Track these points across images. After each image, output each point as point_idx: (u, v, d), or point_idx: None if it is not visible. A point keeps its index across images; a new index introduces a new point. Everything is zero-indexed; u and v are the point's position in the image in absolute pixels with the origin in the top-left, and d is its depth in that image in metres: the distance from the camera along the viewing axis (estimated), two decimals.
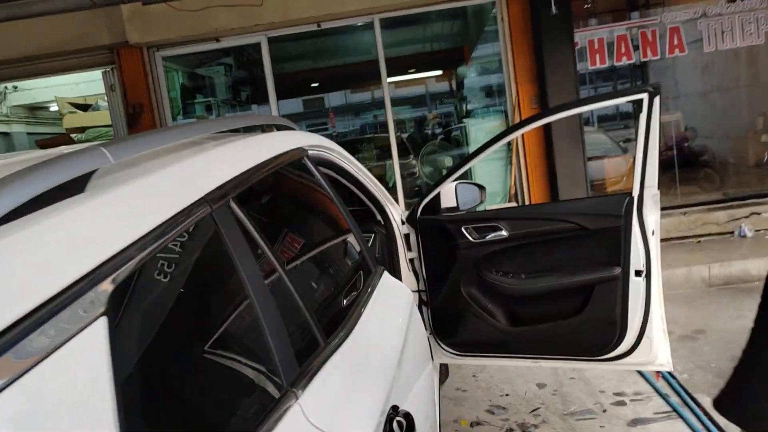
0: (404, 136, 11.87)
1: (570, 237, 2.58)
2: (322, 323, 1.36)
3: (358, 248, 1.86)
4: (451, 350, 2.90)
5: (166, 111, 6.85)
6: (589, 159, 7.23)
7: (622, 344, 2.54)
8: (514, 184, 6.68)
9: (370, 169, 8.22)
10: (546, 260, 2.65)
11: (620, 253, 2.47)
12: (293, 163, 1.71)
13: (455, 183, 2.91)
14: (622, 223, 2.45)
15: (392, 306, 1.88)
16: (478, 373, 3.66)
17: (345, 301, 1.64)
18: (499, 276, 2.70)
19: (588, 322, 2.57)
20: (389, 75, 6.90)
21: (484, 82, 8.18)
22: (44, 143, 6.92)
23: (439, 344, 2.94)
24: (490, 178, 6.95)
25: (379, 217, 2.95)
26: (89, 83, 9.63)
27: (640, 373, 3.54)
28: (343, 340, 1.40)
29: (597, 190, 9.24)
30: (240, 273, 1.04)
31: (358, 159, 8.14)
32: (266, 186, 1.56)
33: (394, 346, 1.72)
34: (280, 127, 2.05)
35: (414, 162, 9.46)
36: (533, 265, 2.67)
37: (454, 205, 2.90)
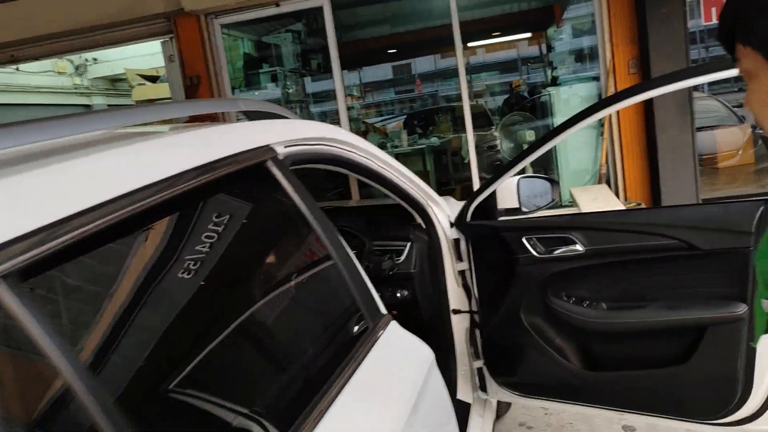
0: (486, 104, 11.05)
1: (672, 258, 1.87)
2: None
3: (349, 293, 1.28)
4: (508, 390, 2.29)
5: (225, 82, 6.45)
6: (697, 129, 6.20)
7: (744, 407, 1.84)
8: (606, 161, 5.81)
9: (447, 143, 7.51)
10: (636, 287, 1.96)
11: (746, 285, 1.75)
12: (245, 172, 1.14)
13: (518, 177, 2.24)
14: (751, 243, 1.72)
15: (398, 370, 1.29)
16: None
17: (308, 388, 1.06)
18: (571, 304, 2.04)
19: (695, 375, 1.88)
20: (469, 40, 6.15)
21: (574, 45, 7.26)
22: None
23: (493, 380, 2.33)
24: (577, 154, 6.11)
25: (419, 220, 2.35)
26: (161, 54, 9.52)
27: None
28: None
29: (705, 166, 8.11)
30: None
31: (432, 132, 7.41)
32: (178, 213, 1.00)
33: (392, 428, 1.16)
34: (253, 116, 1.49)
35: (495, 134, 8.68)
36: (618, 293, 1.99)
37: (516, 206, 2.24)
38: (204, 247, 1.02)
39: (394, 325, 1.36)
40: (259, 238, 1.14)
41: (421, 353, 1.37)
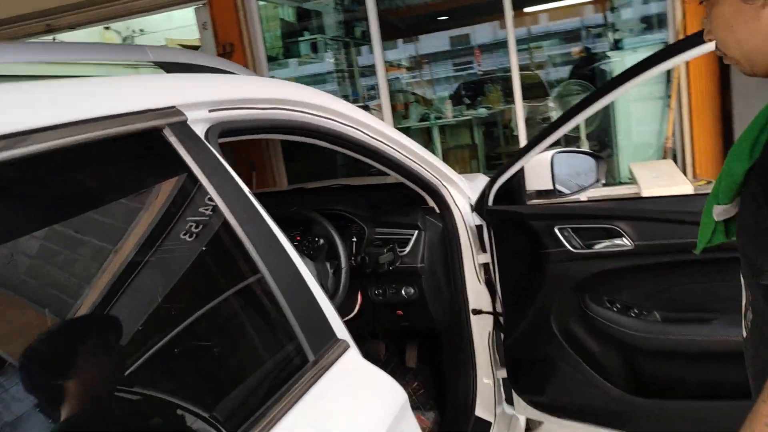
0: (548, 75, 10.39)
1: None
2: None
3: (281, 315, 0.92)
4: (536, 409, 1.90)
5: (260, 51, 6.15)
6: None
7: None
8: (672, 134, 5.21)
9: (498, 114, 6.98)
10: (700, 296, 1.53)
11: None
12: (121, 141, 0.79)
13: (552, 152, 1.82)
14: None
15: (348, 421, 0.93)
16: None
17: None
18: (614, 313, 1.62)
19: None
20: (524, 5, 5.64)
21: (641, 7, 6.60)
22: None
23: (519, 396, 1.95)
24: (639, 126, 5.53)
25: (432, 203, 1.96)
26: None
27: None
28: None
29: None
30: None
31: (480, 102, 6.83)
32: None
33: None
34: (170, 67, 1.14)
35: (552, 104, 8.12)
36: (676, 302, 1.56)
37: (549, 187, 1.83)
38: (31, 250, 0.68)
39: (351, 355, 0.99)
40: (127, 240, 0.79)
41: (388, 394, 1.00)
